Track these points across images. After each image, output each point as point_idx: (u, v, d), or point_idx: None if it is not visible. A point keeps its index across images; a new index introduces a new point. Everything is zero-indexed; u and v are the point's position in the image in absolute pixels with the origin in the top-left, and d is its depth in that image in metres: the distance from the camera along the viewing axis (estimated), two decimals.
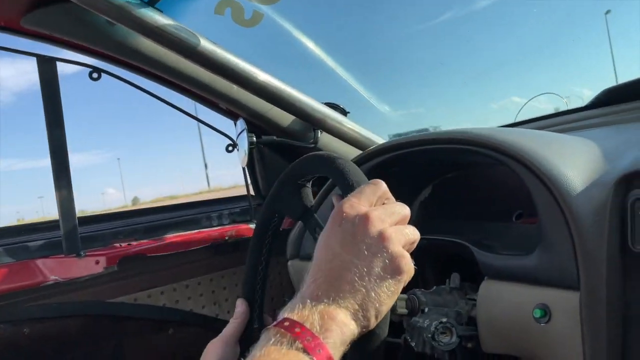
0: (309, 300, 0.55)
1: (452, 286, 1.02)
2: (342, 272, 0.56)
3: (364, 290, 0.55)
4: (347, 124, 1.39)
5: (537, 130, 0.97)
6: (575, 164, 0.81)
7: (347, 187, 0.68)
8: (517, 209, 1.02)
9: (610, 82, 1.11)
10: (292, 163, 0.86)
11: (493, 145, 0.86)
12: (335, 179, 0.72)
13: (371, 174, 1.05)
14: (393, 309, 0.73)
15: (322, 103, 1.36)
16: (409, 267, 0.58)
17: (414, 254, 0.61)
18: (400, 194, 1.27)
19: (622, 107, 1.07)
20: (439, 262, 1.12)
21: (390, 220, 0.60)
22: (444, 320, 0.91)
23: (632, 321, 0.73)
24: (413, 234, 0.62)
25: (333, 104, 1.39)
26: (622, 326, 0.73)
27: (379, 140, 1.47)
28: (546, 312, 0.79)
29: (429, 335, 0.91)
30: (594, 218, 0.75)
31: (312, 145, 1.38)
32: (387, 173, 1.14)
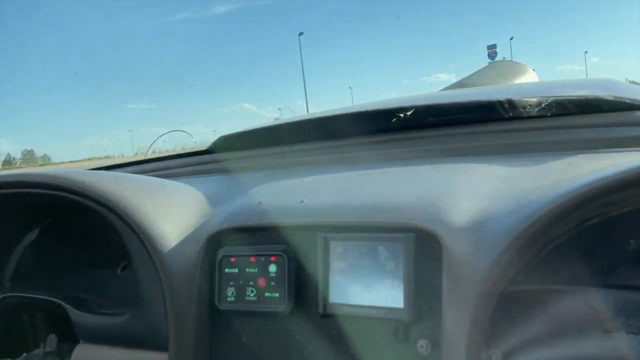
0: None
1: (47, 350, 0.88)
2: None
3: None
4: None
5: (142, 176, 0.92)
6: (173, 218, 0.79)
7: None
8: (124, 259, 0.95)
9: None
10: None
11: (85, 192, 0.77)
12: None
13: None
14: None
15: None
16: None
17: None
18: None
19: (233, 155, 1.13)
20: (36, 321, 0.96)
21: None
22: None
23: None
24: None
25: None
26: None
27: None
28: None
29: None
30: (185, 276, 0.74)
31: None
32: None
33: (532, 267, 0.57)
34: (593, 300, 0.57)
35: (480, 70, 2.05)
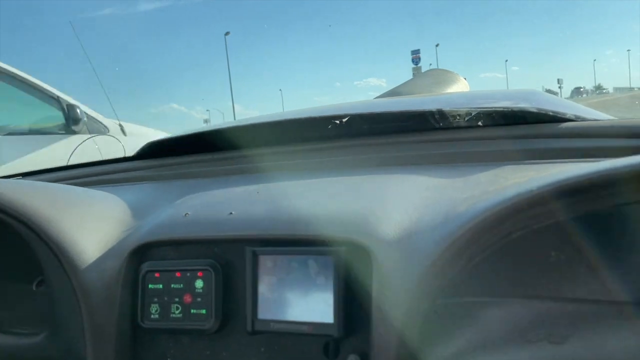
0: None
1: None
2: None
3: None
4: None
5: (59, 185, 0.87)
6: (93, 230, 0.74)
7: None
8: (41, 273, 0.89)
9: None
10: None
11: None
12: None
13: None
14: None
15: None
16: None
17: None
18: None
19: (162, 162, 1.08)
20: None
21: None
22: None
23: None
24: None
25: None
26: None
27: None
28: None
29: None
30: (105, 292, 0.69)
31: None
32: None
33: (460, 280, 0.57)
34: (517, 312, 0.58)
35: (414, 79, 2.09)
